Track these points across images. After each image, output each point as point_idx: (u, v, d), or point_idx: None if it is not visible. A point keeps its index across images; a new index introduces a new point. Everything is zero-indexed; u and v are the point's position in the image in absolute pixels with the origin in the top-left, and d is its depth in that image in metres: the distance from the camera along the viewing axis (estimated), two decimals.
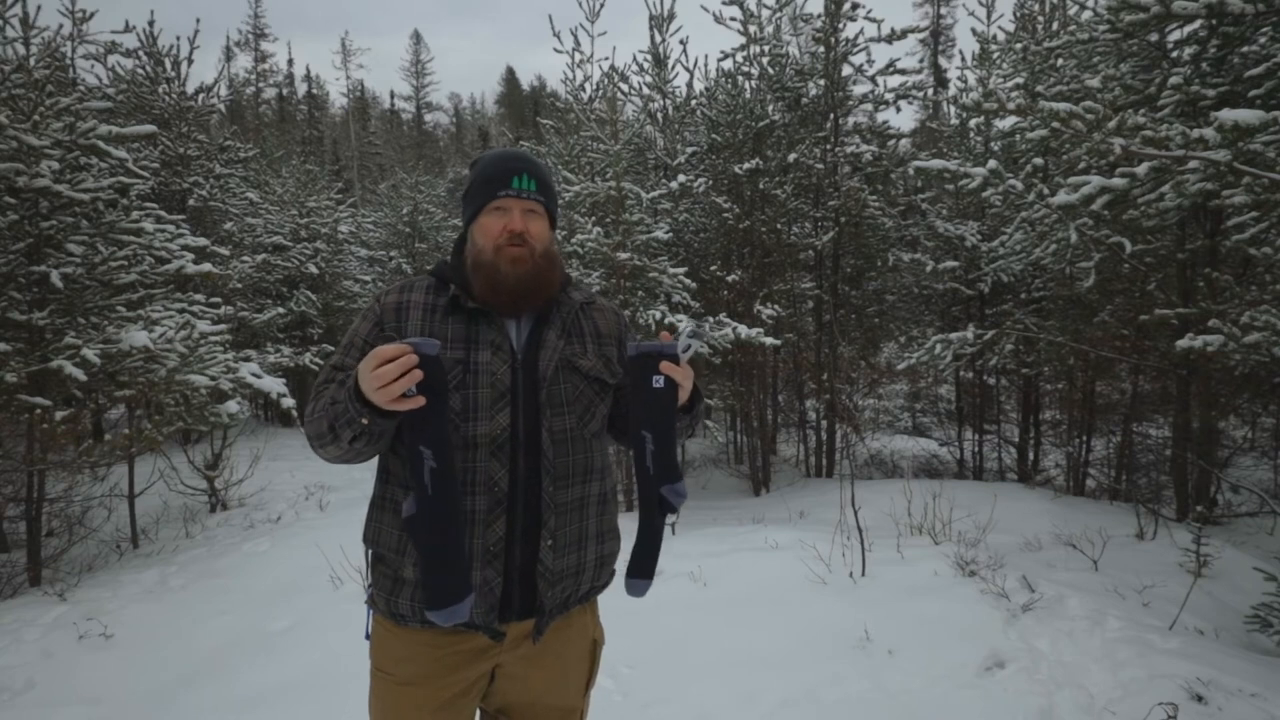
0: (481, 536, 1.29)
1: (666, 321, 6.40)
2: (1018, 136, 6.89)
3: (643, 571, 1.36)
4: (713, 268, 7.94)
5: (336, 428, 1.21)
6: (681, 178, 7.71)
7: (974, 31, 9.02)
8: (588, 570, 1.41)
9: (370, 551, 1.40)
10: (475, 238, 1.37)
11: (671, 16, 8.91)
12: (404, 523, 1.22)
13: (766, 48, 8.42)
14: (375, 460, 1.41)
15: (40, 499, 4.89)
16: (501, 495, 1.30)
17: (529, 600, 1.34)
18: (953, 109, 10.68)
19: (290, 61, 51.93)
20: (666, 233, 7.10)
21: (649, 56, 9.05)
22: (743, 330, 6.35)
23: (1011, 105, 4.24)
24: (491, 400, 1.30)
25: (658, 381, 1.27)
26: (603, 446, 1.45)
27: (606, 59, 20.59)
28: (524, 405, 1.33)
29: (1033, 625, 3.17)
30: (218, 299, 7.56)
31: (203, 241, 7.06)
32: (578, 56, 8.75)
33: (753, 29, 8.29)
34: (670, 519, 5.30)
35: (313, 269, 12.26)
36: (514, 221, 1.34)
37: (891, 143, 8.67)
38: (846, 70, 8.30)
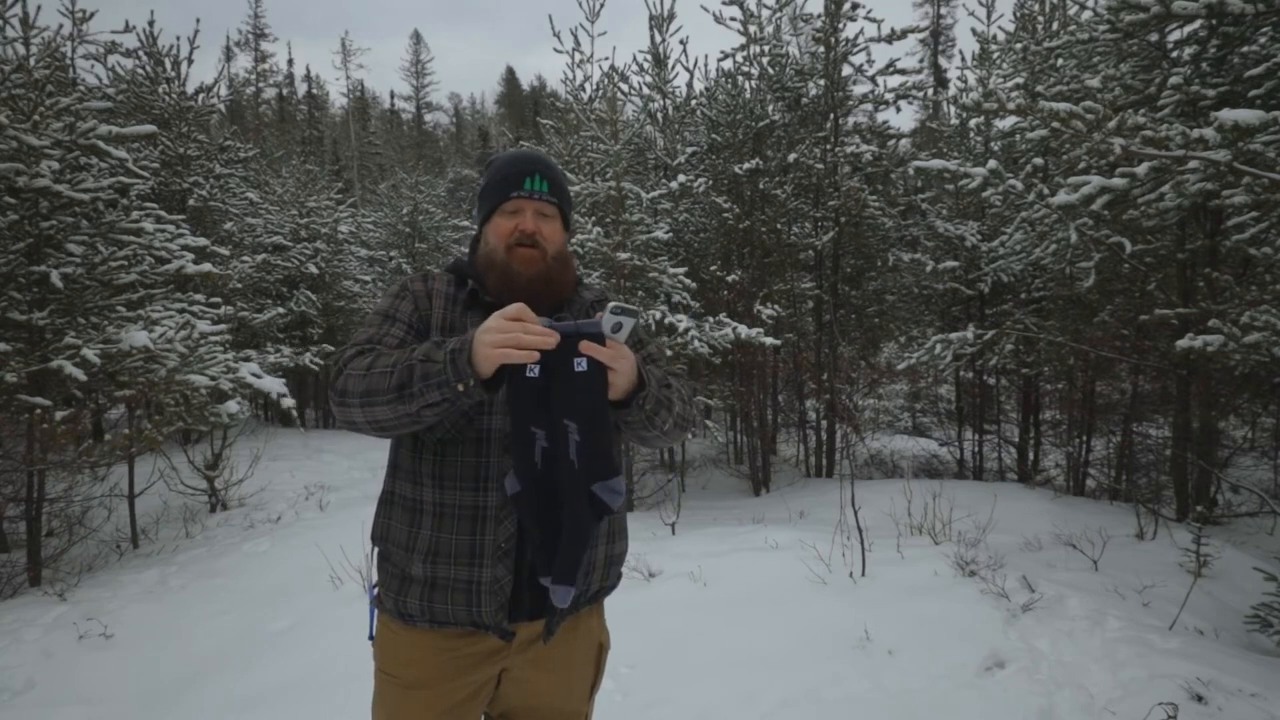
0: (492, 533, 1.28)
1: (667, 322, 6.39)
2: (1018, 136, 6.89)
3: (564, 577, 1.21)
4: (713, 268, 7.94)
5: (413, 388, 1.13)
6: (681, 178, 7.70)
7: (974, 31, 9.02)
8: (597, 570, 1.40)
9: (377, 550, 1.38)
10: (488, 237, 1.38)
11: (671, 16, 8.91)
12: (513, 497, 1.23)
13: (766, 48, 8.42)
14: (378, 458, 1.41)
15: (40, 499, 4.89)
16: None
17: (539, 600, 1.33)
18: (953, 109, 10.68)
19: (290, 62, 51.86)
20: (666, 233, 7.10)
21: (649, 56, 9.05)
22: (743, 330, 6.35)
23: (1011, 105, 4.23)
24: (506, 395, 1.30)
25: (580, 365, 1.15)
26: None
27: (606, 59, 20.58)
28: None
29: (1033, 625, 3.17)
30: (218, 299, 7.55)
31: (203, 241, 7.06)
32: (578, 56, 8.75)
33: (753, 29, 8.29)
34: (670, 520, 5.33)
35: (313, 269, 12.26)
36: (525, 222, 1.34)
37: (891, 143, 8.68)
38: (846, 70, 8.30)
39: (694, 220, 8.31)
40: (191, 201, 9.73)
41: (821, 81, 8.31)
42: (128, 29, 7.14)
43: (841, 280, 8.77)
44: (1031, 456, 8.29)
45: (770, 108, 8.19)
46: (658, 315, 6.41)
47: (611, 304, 1.16)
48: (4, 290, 4.76)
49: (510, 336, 1.09)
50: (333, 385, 1.24)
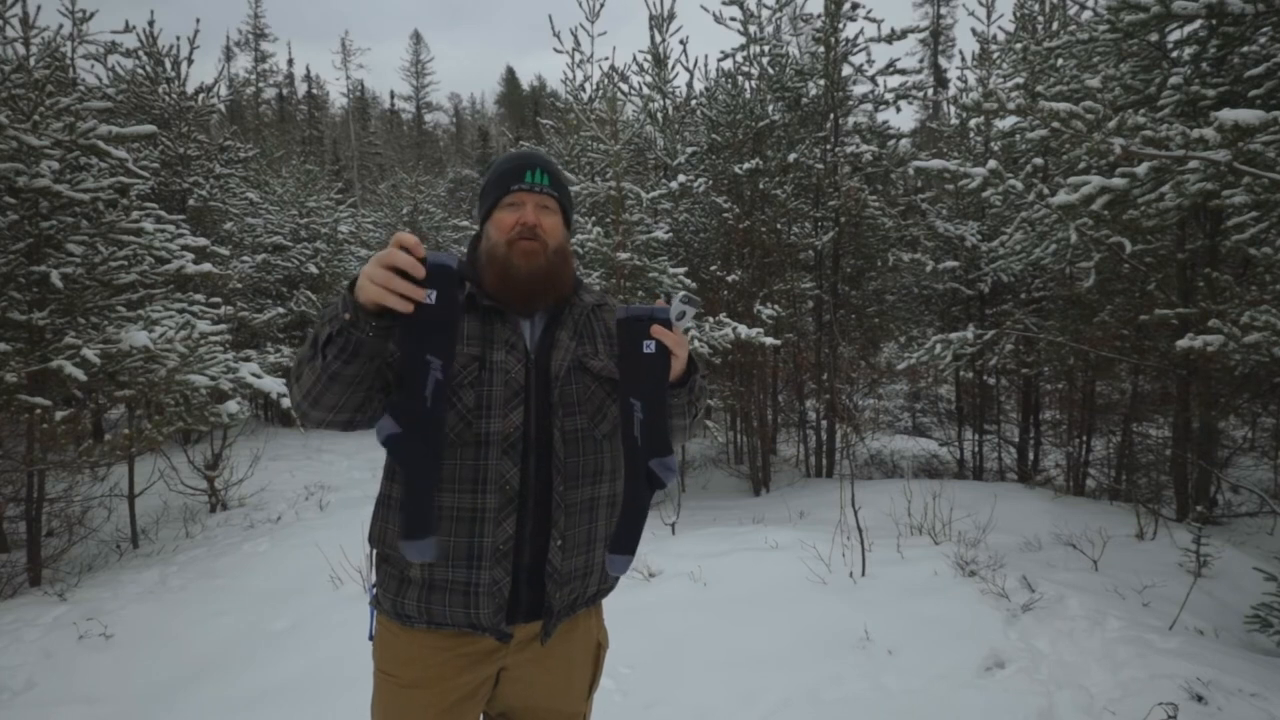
0: (491, 535, 1.28)
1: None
2: (1018, 136, 6.90)
3: (624, 547, 1.28)
4: (713, 268, 7.94)
5: (319, 336, 1.14)
6: (681, 178, 7.70)
7: (974, 31, 9.03)
8: (595, 572, 1.40)
9: (375, 551, 1.38)
10: (489, 232, 1.37)
11: (671, 16, 8.90)
12: (388, 440, 1.14)
13: (766, 48, 8.42)
14: (378, 457, 1.41)
15: (40, 499, 4.89)
16: (512, 494, 1.29)
17: (537, 601, 1.33)
18: (953, 109, 10.69)
19: (290, 62, 51.80)
20: (666, 233, 7.10)
21: (649, 56, 9.04)
22: (743, 330, 6.34)
23: (1011, 105, 4.24)
24: (505, 398, 1.30)
25: (648, 347, 1.21)
26: (614, 448, 1.41)
27: (606, 59, 20.62)
28: (536, 404, 1.32)
29: (1033, 625, 3.17)
30: (218, 299, 7.55)
31: (203, 241, 7.07)
32: (578, 56, 8.76)
33: (753, 29, 8.29)
34: (670, 520, 5.33)
35: (313, 269, 12.25)
36: (527, 215, 1.33)
37: (891, 143, 8.67)
38: (846, 70, 8.29)
39: (694, 220, 8.30)
40: (191, 201, 9.73)
41: (821, 81, 8.30)
42: (128, 29, 7.15)
43: (841, 280, 8.77)
44: (1031, 456, 8.29)
45: (770, 108, 8.19)
46: None
47: (681, 293, 1.23)
48: (4, 290, 4.76)
49: (382, 274, 1.05)
50: None
